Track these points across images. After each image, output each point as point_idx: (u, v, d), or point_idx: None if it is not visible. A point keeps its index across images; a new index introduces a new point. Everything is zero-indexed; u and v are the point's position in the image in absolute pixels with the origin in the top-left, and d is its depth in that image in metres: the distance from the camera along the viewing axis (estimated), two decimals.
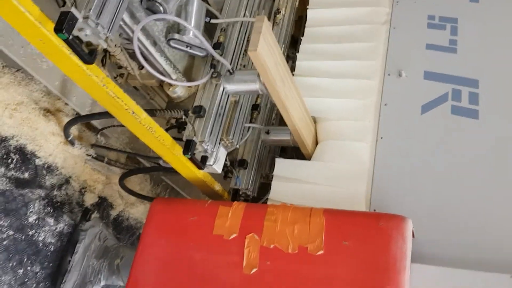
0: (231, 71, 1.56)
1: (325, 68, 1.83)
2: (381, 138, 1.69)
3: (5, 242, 1.71)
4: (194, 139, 1.46)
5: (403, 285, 1.25)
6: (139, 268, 1.52)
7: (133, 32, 1.30)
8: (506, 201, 1.47)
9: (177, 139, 1.52)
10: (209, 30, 1.68)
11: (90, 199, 2.09)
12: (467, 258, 1.39)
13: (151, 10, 1.35)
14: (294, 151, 1.95)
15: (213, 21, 1.63)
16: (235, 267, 1.41)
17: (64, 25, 0.94)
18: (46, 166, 1.89)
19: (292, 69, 1.81)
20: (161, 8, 1.34)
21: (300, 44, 1.93)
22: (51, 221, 1.90)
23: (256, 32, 1.23)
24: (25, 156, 1.80)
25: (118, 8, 1.08)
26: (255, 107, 1.85)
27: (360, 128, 1.71)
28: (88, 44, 1.10)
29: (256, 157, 1.90)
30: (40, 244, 1.86)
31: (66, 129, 1.80)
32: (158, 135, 1.40)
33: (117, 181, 2.09)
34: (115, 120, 1.90)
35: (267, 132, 1.84)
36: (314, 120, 1.78)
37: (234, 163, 1.85)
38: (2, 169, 1.71)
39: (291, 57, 2.18)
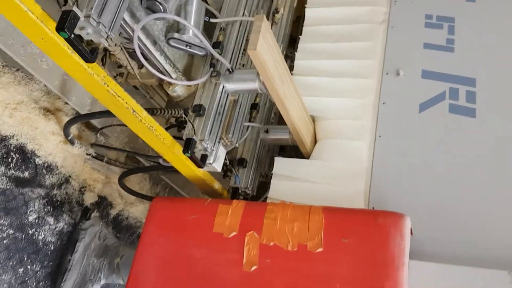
0: (231, 70, 1.57)
1: (323, 67, 1.84)
2: (379, 136, 1.70)
3: (5, 241, 1.71)
4: (194, 137, 1.47)
5: (402, 281, 1.26)
6: (139, 267, 1.53)
7: (133, 31, 1.31)
8: (504, 198, 1.49)
9: (177, 138, 1.53)
10: (208, 29, 1.68)
11: (89, 198, 2.10)
12: (466, 255, 1.41)
13: (151, 10, 1.36)
14: (293, 150, 1.96)
15: (212, 20, 1.65)
16: (235, 265, 1.42)
17: (66, 23, 0.95)
18: (46, 165, 1.89)
19: (291, 68, 1.82)
20: (161, 8, 1.35)
21: (298, 43, 1.94)
22: (51, 220, 1.91)
23: (256, 31, 1.24)
24: (25, 155, 1.80)
25: (119, 7, 1.09)
26: (254, 106, 1.86)
27: (359, 127, 1.72)
28: (88, 43, 1.11)
29: (255, 156, 1.91)
30: (40, 243, 1.86)
31: (66, 128, 1.81)
32: (158, 133, 1.41)
33: (116, 180, 2.09)
34: (114, 119, 1.91)
35: (266, 131, 1.85)
36: (313, 119, 1.79)
37: (234, 162, 1.86)
38: (3, 168, 1.71)
39: (289, 57, 2.19)
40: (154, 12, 1.35)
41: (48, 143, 1.87)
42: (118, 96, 1.23)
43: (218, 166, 1.61)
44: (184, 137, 1.49)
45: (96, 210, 2.12)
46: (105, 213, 2.23)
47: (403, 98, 1.75)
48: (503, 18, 1.81)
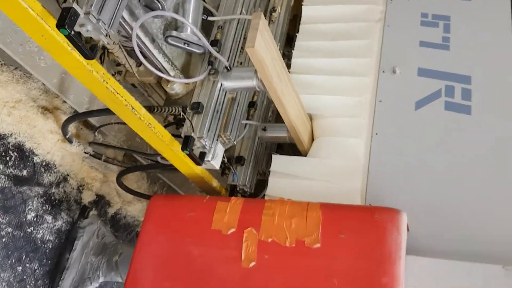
0: (229, 68, 1.58)
1: (320, 65, 1.85)
2: (376, 134, 1.72)
3: (4, 239, 1.72)
4: (192, 135, 1.48)
5: (398, 276, 1.27)
6: (138, 264, 1.53)
7: (131, 29, 1.32)
8: (499, 194, 1.51)
9: (175, 136, 1.54)
10: (206, 27, 1.70)
11: (87, 197, 2.10)
12: (461, 250, 1.42)
13: (149, 8, 1.36)
14: (291, 148, 1.97)
15: (210, 18, 1.66)
16: (234, 261, 1.43)
17: (66, 20, 0.95)
18: (44, 163, 1.90)
19: (288, 66, 1.83)
20: (159, 6, 1.36)
21: (295, 41, 1.95)
22: (49, 218, 1.91)
23: (254, 28, 1.25)
24: (23, 154, 1.81)
25: (119, 4, 1.10)
26: (251, 104, 1.87)
27: (355, 124, 1.73)
28: (87, 41, 1.12)
29: (253, 154, 1.92)
30: (39, 242, 1.87)
31: (64, 126, 1.81)
32: (157, 131, 1.42)
33: (114, 179, 2.10)
34: (112, 118, 1.92)
35: (264, 129, 1.86)
36: (310, 117, 1.80)
37: (231, 159, 1.87)
38: (1, 167, 1.72)
39: (286, 55, 2.20)
40: (153, 10, 1.36)
41: (46, 141, 1.88)
42: (117, 93, 1.24)
43: (216, 164, 1.61)
44: (182, 135, 1.50)
45: (94, 209, 2.12)
46: (103, 212, 2.23)
47: (399, 95, 1.76)
48: (497, 16, 1.83)
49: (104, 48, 1.53)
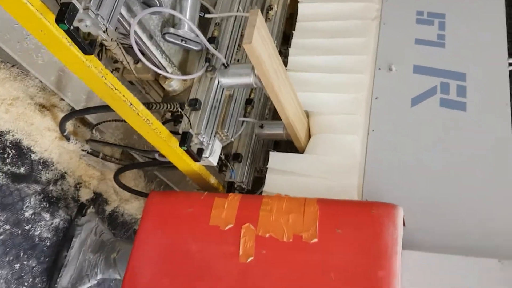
0: (226, 65, 1.59)
1: (317, 63, 1.86)
2: (372, 131, 1.73)
3: (1, 237, 1.72)
4: (190, 131, 1.48)
5: (395, 270, 1.29)
6: (136, 260, 1.54)
7: (129, 25, 1.33)
8: (494, 189, 1.52)
9: (173, 133, 1.54)
10: (203, 25, 1.70)
11: (85, 195, 2.11)
12: (457, 245, 1.44)
13: (147, 4, 1.37)
14: (288, 145, 1.98)
15: (207, 15, 1.67)
16: (232, 257, 1.44)
17: (65, 15, 0.96)
18: (41, 161, 1.90)
19: (284, 64, 1.84)
20: (157, 2, 1.36)
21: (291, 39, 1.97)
22: (47, 216, 1.91)
23: (251, 25, 1.26)
24: (21, 151, 1.81)
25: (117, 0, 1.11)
26: (249, 102, 1.89)
27: (352, 121, 1.75)
28: (85, 38, 1.12)
29: (250, 151, 1.93)
30: (37, 239, 1.87)
31: (62, 123, 1.82)
32: (155, 127, 1.43)
33: (111, 177, 2.10)
34: (110, 115, 1.92)
35: (261, 126, 1.87)
36: (307, 114, 1.81)
37: (229, 156, 1.88)
38: None
39: (283, 53, 2.21)
40: (150, 6, 1.37)
41: (44, 139, 1.88)
42: (116, 89, 1.25)
43: (214, 160, 1.62)
44: (180, 131, 1.51)
45: (92, 206, 2.12)
46: (101, 210, 2.23)
47: (395, 92, 1.78)
48: (492, 14, 1.85)
49: (101, 45, 1.54)
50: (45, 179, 1.91)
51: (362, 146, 1.70)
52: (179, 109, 1.52)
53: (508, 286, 1.28)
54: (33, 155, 1.86)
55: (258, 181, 1.94)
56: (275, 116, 1.97)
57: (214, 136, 1.61)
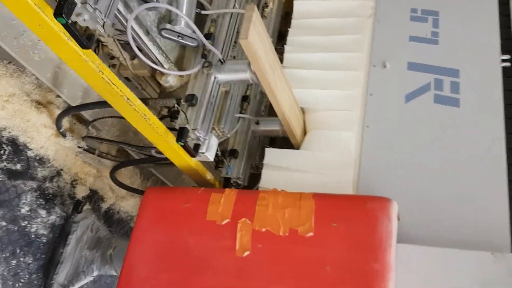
0: (222, 60, 1.60)
1: (312, 60, 1.88)
2: (367, 127, 1.75)
3: None
4: (187, 126, 1.49)
5: (389, 263, 1.30)
6: (133, 256, 1.55)
7: (126, 21, 1.34)
8: (488, 183, 1.55)
9: (169, 129, 1.55)
10: (199, 21, 1.71)
11: (81, 192, 2.11)
12: (451, 238, 1.46)
13: (144, 0, 1.38)
14: (284, 142, 1.99)
15: (203, 12, 1.68)
16: (228, 251, 1.45)
17: (63, 9, 0.97)
18: (38, 158, 1.90)
19: (280, 61, 1.85)
20: None
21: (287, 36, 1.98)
22: (43, 212, 1.92)
23: (247, 20, 1.27)
24: (17, 148, 1.81)
25: None
26: (245, 98, 1.89)
27: (347, 118, 1.76)
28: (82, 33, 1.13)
29: (246, 147, 1.93)
30: (33, 236, 1.87)
31: (58, 120, 1.82)
32: (152, 122, 1.43)
33: (107, 174, 2.10)
34: (106, 112, 1.93)
35: (257, 123, 1.88)
36: (302, 111, 1.82)
37: (225, 153, 1.89)
38: None
39: (278, 51, 2.22)
40: (147, 2, 1.37)
41: (40, 136, 1.89)
42: (113, 84, 1.25)
43: (210, 156, 1.63)
44: (177, 126, 1.51)
45: (88, 203, 2.13)
46: (97, 207, 2.24)
47: (390, 89, 1.80)
48: (485, 11, 1.87)
49: (98, 41, 1.55)
50: (41, 176, 1.92)
51: (357, 142, 1.71)
52: (176, 105, 1.53)
53: (501, 277, 1.30)
54: (29, 152, 1.86)
55: (254, 178, 1.95)
56: (271, 112, 1.99)
57: (211, 132, 1.62)
